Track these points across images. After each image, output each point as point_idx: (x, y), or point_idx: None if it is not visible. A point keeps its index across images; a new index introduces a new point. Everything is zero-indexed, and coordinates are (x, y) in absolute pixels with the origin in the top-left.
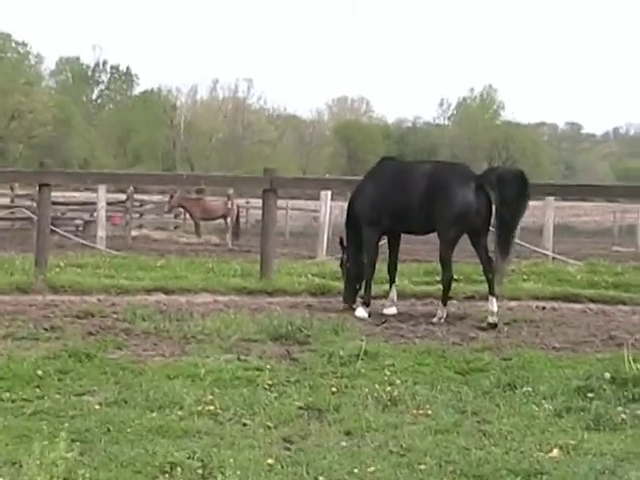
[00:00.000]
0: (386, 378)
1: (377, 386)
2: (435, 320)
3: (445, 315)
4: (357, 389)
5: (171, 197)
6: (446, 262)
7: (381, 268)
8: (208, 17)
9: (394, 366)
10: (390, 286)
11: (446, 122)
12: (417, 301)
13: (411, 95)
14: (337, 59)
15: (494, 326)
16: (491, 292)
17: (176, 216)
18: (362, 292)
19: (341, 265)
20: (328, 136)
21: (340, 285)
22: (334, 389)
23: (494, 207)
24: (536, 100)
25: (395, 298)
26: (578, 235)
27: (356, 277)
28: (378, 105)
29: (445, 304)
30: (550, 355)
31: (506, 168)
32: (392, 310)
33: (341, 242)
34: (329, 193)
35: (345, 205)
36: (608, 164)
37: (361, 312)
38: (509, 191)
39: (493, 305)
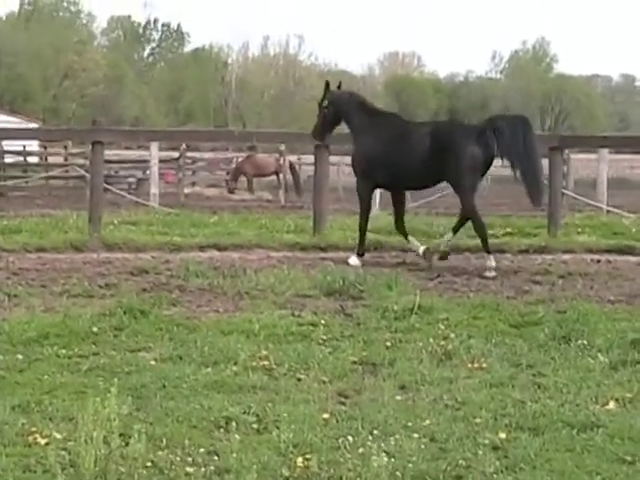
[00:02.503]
0: (440, 332)
1: (431, 340)
2: (487, 274)
3: (494, 264)
4: (411, 343)
5: (228, 174)
6: (473, 213)
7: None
8: None
9: (448, 320)
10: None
11: (498, 76)
12: (471, 255)
13: (463, 49)
14: (388, 14)
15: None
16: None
17: (228, 173)
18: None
19: None
20: (379, 91)
21: (393, 240)
22: (388, 343)
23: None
24: (589, 52)
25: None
26: (633, 188)
27: None
28: (430, 60)
29: (489, 252)
30: (605, 308)
31: (506, 115)
32: None
33: None
34: None
35: None
36: None
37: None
38: (508, 138)
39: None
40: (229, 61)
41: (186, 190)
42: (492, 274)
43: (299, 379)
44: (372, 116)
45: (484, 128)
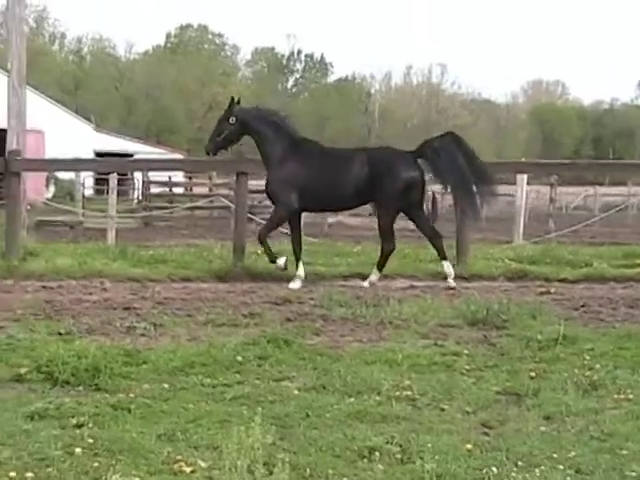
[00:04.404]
0: (586, 362)
1: (576, 370)
2: (366, 284)
3: (376, 280)
4: (556, 374)
5: None
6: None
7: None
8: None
9: (594, 350)
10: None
11: None
12: (616, 284)
13: (608, 77)
14: (531, 41)
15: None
16: (442, 257)
17: None
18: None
19: None
20: (523, 120)
21: (537, 269)
22: (532, 374)
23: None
24: None
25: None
26: None
27: None
28: (574, 87)
29: (380, 271)
30: None
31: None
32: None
33: None
34: (525, 177)
35: (541, 189)
36: None
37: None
38: (443, 159)
39: (448, 268)
40: (372, 91)
41: (330, 220)
42: (371, 285)
43: (442, 409)
44: (291, 141)
45: (419, 154)
